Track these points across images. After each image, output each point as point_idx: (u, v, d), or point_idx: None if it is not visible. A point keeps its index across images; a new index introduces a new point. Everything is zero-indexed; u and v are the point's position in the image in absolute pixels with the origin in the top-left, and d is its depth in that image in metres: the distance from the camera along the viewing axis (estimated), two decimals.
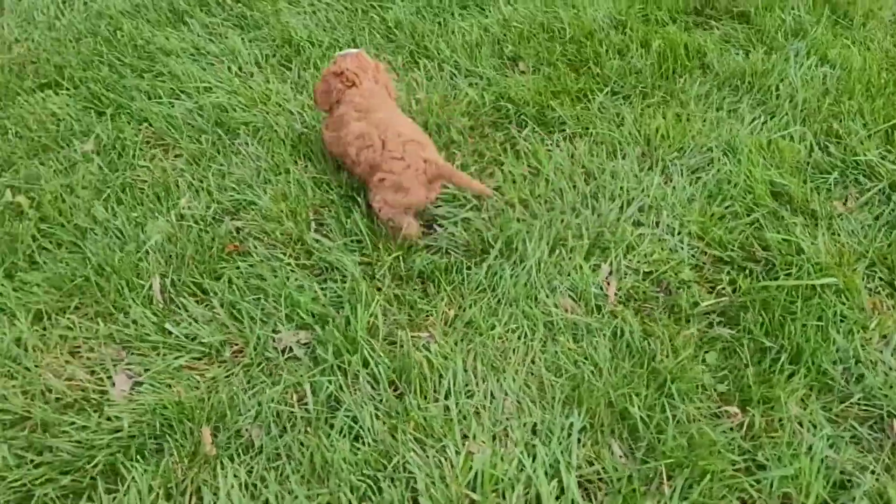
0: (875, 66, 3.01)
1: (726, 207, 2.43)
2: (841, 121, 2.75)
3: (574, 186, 2.51)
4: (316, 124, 2.78)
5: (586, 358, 2.00)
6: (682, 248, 2.31)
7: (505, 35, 3.26)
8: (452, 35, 3.26)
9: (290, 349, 2.05)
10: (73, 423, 1.87)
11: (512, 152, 2.66)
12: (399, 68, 3.11)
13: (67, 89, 3.02)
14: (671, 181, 2.54)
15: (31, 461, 1.80)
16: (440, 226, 2.40)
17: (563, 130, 2.78)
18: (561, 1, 3.48)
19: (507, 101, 2.90)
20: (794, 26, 3.25)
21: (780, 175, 2.52)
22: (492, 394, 1.92)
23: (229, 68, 3.11)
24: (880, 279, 2.22)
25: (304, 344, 2.07)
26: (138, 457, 1.81)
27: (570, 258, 2.26)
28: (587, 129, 2.77)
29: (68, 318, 2.13)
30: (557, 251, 2.27)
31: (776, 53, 3.11)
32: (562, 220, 2.35)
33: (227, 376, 2.00)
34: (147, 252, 2.31)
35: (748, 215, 2.40)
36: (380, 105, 2.43)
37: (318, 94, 2.51)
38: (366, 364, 1.98)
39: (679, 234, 2.36)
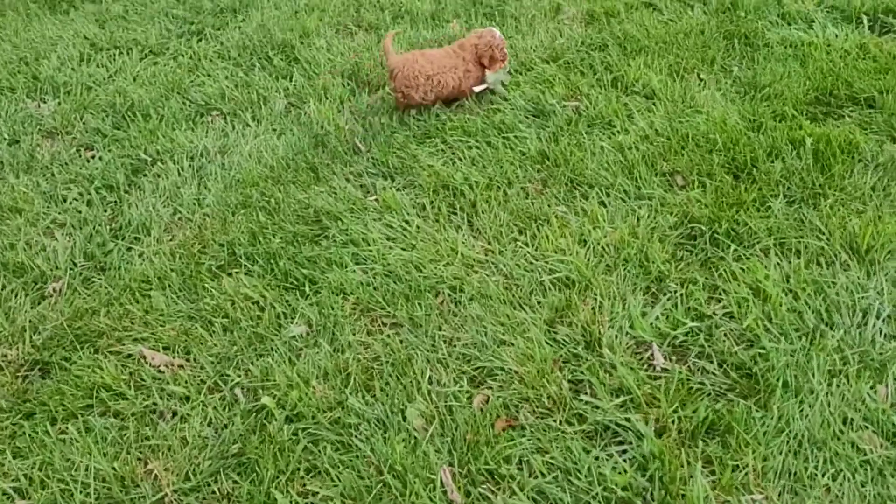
0: None
1: None
2: None
3: (808, 304, 2.53)
4: (519, 268, 2.77)
5: None
6: None
7: (651, 150, 3.33)
8: (602, 155, 3.31)
9: None
10: None
11: (726, 274, 2.68)
12: (569, 202, 3.14)
13: (249, 269, 2.98)
14: (882, 284, 2.57)
15: None
16: (695, 361, 2.39)
17: (757, 244, 2.81)
18: (689, 109, 3.58)
19: (692, 220, 2.94)
20: None
21: None
22: None
23: (396, 223, 3.11)
24: None
25: None
26: None
27: (848, 385, 2.25)
28: (782, 240, 2.80)
29: None
30: (836, 379, 2.27)
31: None
32: (819, 344, 2.36)
33: None
34: (418, 442, 2.24)
35: None
36: None
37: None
38: None
39: None
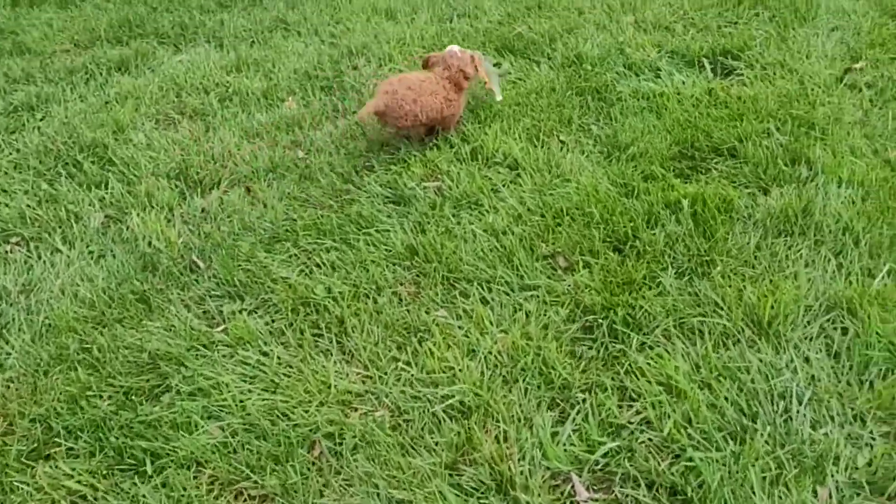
0: (885, 175, 3.13)
1: (885, 377, 2.33)
2: None
3: (726, 398, 2.30)
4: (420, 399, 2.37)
5: None
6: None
7: (526, 230, 3.05)
8: (476, 242, 3.00)
9: None
10: None
11: (633, 371, 2.41)
12: (449, 303, 2.79)
13: (71, 448, 2.37)
14: (810, 362, 2.40)
15: None
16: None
17: (657, 328, 2.58)
18: (557, 179, 3.35)
19: (585, 311, 2.67)
20: (785, 155, 3.33)
21: None
22: None
23: (253, 358, 2.62)
24: None
25: None
26: None
27: (790, 495, 2.02)
28: (682, 320, 2.59)
29: None
30: (776, 490, 2.03)
31: (788, 186, 3.15)
32: (749, 448, 2.12)
33: None
34: None
35: None
36: None
37: None
38: None
39: (870, 421, 2.21)
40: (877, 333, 2.42)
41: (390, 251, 3.06)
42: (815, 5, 4.62)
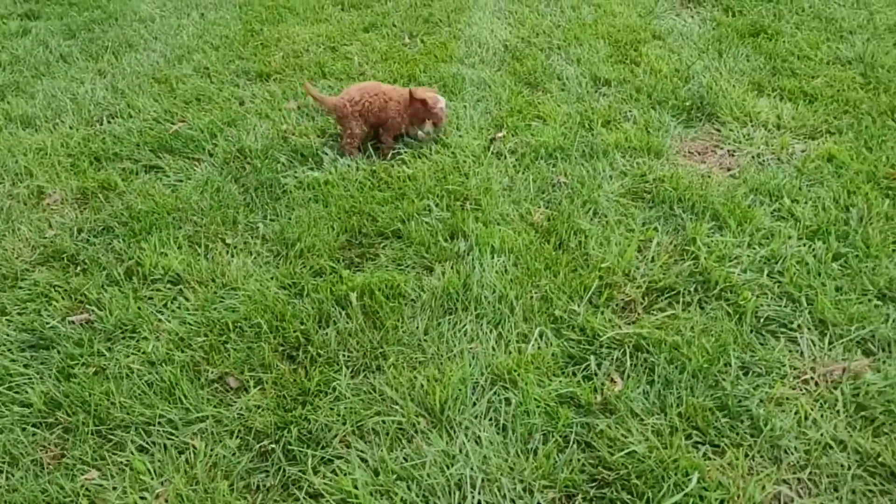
0: (530, 238, 3.38)
1: (546, 441, 2.43)
2: (550, 301, 3.01)
3: (404, 502, 2.23)
4: None
5: None
6: None
7: (191, 356, 2.79)
8: (132, 380, 2.66)
9: None
10: None
11: (310, 496, 2.26)
12: (101, 460, 2.41)
13: None
14: (481, 442, 2.44)
15: None
16: None
17: (335, 438, 2.47)
18: (223, 290, 3.14)
19: (257, 436, 2.47)
20: (445, 230, 3.47)
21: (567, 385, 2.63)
22: None
23: None
24: None
25: None
26: None
27: None
28: (360, 423, 2.51)
29: None
30: None
31: (449, 262, 3.27)
32: None
33: None
34: None
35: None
36: None
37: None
38: None
39: (536, 492, 2.27)
40: (535, 399, 2.54)
41: (29, 409, 2.61)
42: (461, 79, 4.99)
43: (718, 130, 4.37)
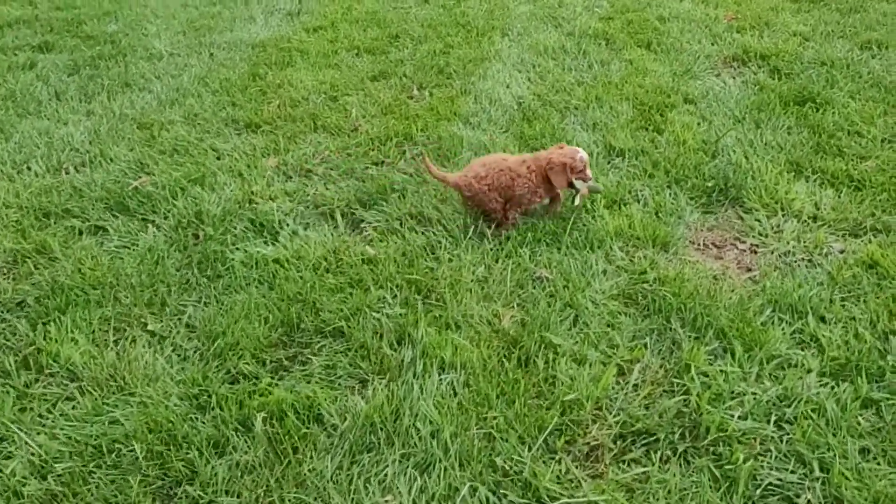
0: (490, 351, 2.84)
1: None
2: (494, 442, 2.46)
3: None
4: None
5: None
6: None
7: (43, 489, 2.34)
8: None
9: None
10: None
11: None
12: None
13: None
14: None
15: None
16: None
17: None
18: (119, 394, 2.70)
19: None
20: (392, 333, 2.97)
21: None
22: None
23: None
24: None
25: None
26: None
27: None
28: None
29: None
30: None
31: (387, 375, 2.76)
32: None
33: None
34: None
35: None
36: None
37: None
38: None
39: None
40: None
41: None
42: (459, 141, 4.50)
43: (742, 219, 3.75)
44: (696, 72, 5.55)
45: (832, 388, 2.66)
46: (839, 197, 3.84)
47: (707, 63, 5.72)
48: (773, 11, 6.69)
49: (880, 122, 4.57)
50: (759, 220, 3.71)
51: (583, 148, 4.12)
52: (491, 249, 3.50)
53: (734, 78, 5.47)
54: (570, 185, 3.61)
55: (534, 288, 3.24)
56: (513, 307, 3.14)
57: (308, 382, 2.75)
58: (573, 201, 3.66)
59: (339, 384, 2.75)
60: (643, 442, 2.50)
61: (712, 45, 6.05)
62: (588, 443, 2.50)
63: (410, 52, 6.15)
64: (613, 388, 2.71)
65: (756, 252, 3.53)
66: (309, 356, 2.90)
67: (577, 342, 2.92)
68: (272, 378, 2.77)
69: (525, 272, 3.35)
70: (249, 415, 2.55)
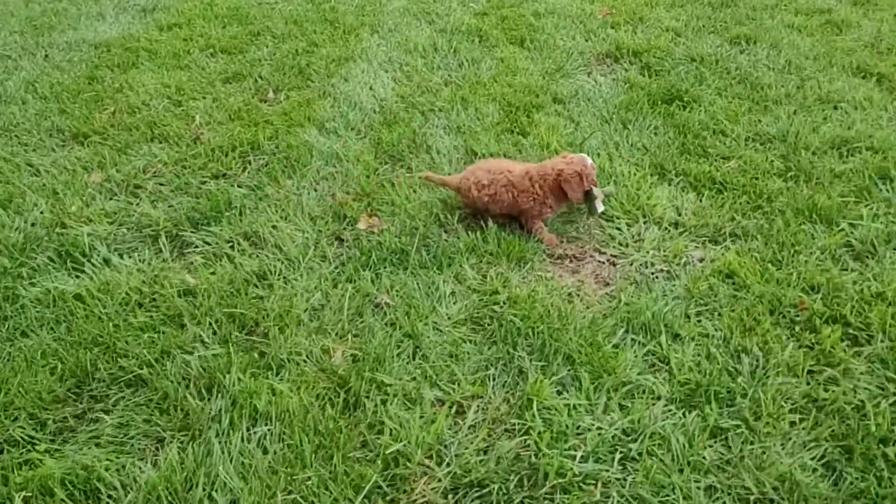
0: (313, 397, 2.51)
1: None
2: None
3: None
4: None
5: None
6: None
7: None
8: None
9: None
10: None
11: None
12: None
13: None
14: None
15: None
16: None
17: None
18: None
19: None
20: (207, 374, 2.59)
21: None
22: None
23: None
24: None
25: None
26: None
27: None
28: None
29: None
30: None
31: (191, 435, 2.39)
32: None
33: None
34: None
35: None
36: None
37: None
38: None
39: None
40: None
41: None
42: (309, 151, 4.14)
43: (602, 229, 3.54)
44: (567, 70, 5.35)
45: (681, 417, 2.46)
46: (700, 201, 3.69)
47: (580, 60, 5.54)
48: (648, 6, 6.60)
49: (745, 119, 4.49)
50: (619, 229, 3.51)
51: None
52: (330, 273, 3.16)
53: (605, 76, 5.32)
54: (587, 194, 3.39)
55: (374, 316, 2.93)
56: (347, 340, 2.81)
57: (96, 446, 2.34)
58: (589, 211, 3.48)
59: (132, 446, 2.36)
60: (476, 495, 2.23)
61: (586, 41, 5.89)
62: (414, 501, 2.20)
63: (270, 52, 5.72)
64: (449, 431, 2.42)
65: (615, 264, 3.33)
66: (100, 413, 2.48)
67: (413, 378, 2.62)
68: (52, 443, 2.35)
69: (366, 298, 3.02)
70: (9, 495, 2.13)
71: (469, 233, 3.40)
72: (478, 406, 2.51)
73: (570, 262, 3.37)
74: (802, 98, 4.71)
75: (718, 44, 5.71)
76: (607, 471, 2.28)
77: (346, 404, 2.51)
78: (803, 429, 2.41)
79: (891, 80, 4.98)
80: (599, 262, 3.36)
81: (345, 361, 2.69)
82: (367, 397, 2.52)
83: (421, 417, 2.44)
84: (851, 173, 3.86)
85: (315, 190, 3.81)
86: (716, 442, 2.39)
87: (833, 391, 2.53)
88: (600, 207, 3.44)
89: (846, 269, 3.15)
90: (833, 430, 2.38)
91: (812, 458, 2.31)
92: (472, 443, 2.37)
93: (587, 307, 3.01)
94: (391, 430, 2.39)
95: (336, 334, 2.85)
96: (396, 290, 3.04)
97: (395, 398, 2.51)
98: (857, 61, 5.26)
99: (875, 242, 3.29)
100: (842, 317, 2.85)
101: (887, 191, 3.71)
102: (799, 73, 5.11)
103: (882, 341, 2.73)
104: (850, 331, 2.81)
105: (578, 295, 3.10)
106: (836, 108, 4.62)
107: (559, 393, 2.58)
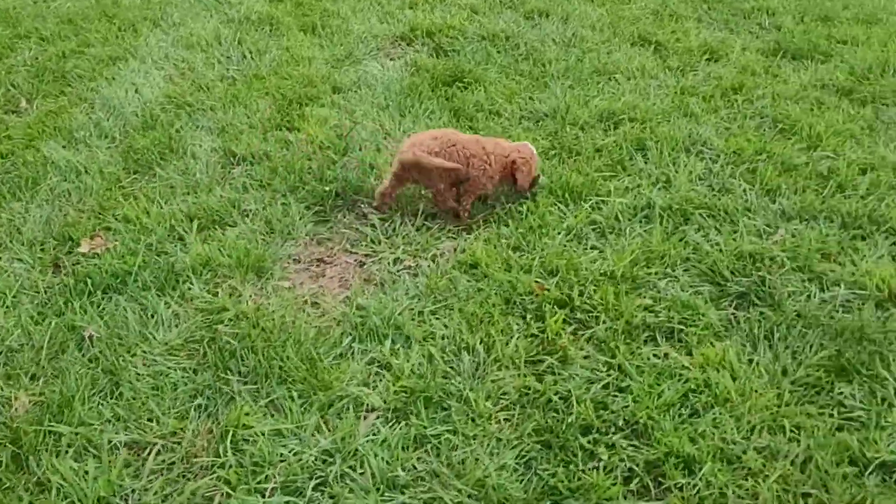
0: None
1: None
2: None
3: None
4: None
5: None
6: None
7: None
8: None
9: None
10: None
11: None
12: None
13: None
14: None
15: None
16: None
17: None
18: None
19: None
20: None
21: None
22: None
23: None
24: None
25: None
26: None
27: None
28: None
29: None
30: None
31: None
32: None
33: None
34: None
35: None
36: None
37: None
38: None
39: None
40: None
41: None
42: (44, 166, 3.75)
43: (354, 228, 3.37)
44: (357, 56, 5.15)
45: (391, 429, 2.32)
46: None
47: (374, 44, 5.35)
48: None
49: (521, 98, 4.42)
50: (373, 226, 3.35)
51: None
52: (36, 307, 2.84)
53: (394, 59, 5.14)
54: (534, 181, 3.41)
55: (77, 353, 2.64)
56: (38, 384, 2.52)
57: None
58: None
59: None
60: None
61: (381, 23, 5.69)
62: None
63: (32, 56, 5.21)
64: (131, 478, 2.19)
65: (363, 265, 3.17)
66: None
67: (106, 421, 2.36)
68: None
69: (72, 332, 2.73)
70: None
71: (205, 244, 3.15)
72: (171, 445, 2.29)
73: (317, 266, 3.18)
74: (579, 72, 4.69)
75: (514, 20, 5.65)
76: (296, 503, 2.11)
77: (14, 461, 2.23)
78: (509, 427, 2.33)
79: (666, 48, 5.05)
80: (348, 263, 3.19)
81: (26, 412, 2.40)
82: (40, 451, 2.24)
83: (97, 468, 2.19)
84: (613, 146, 3.86)
85: (41, 210, 3.44)
86: (423, 452, 2.26)
87: (545, 381, 2.46)
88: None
89: (588, 249, 3.11)
90: (537, 425, 2.31)
91: (514, 458, 2.23)
92: (150, 490, 2.14)
93: (322, 315, 2.84)
94: (57, 487, 2.13)
95: (29, 378, 2.55)
96: (106, 321, 2.75)
97: (70, 448, 2.25)
98: (640, 30, 5.32)
99: (620, 217, 3.28)
100: (570, 300, 2.80)
101: (644, 161, 3.72)
102: (581, 46, 5.10)
103: (604, 322, 2.69)
104: (578, 315, 2.75)
105: (316, 303, 2.92)
106: (610, 79, 4.63)
107: (272, 416, 2.40)
